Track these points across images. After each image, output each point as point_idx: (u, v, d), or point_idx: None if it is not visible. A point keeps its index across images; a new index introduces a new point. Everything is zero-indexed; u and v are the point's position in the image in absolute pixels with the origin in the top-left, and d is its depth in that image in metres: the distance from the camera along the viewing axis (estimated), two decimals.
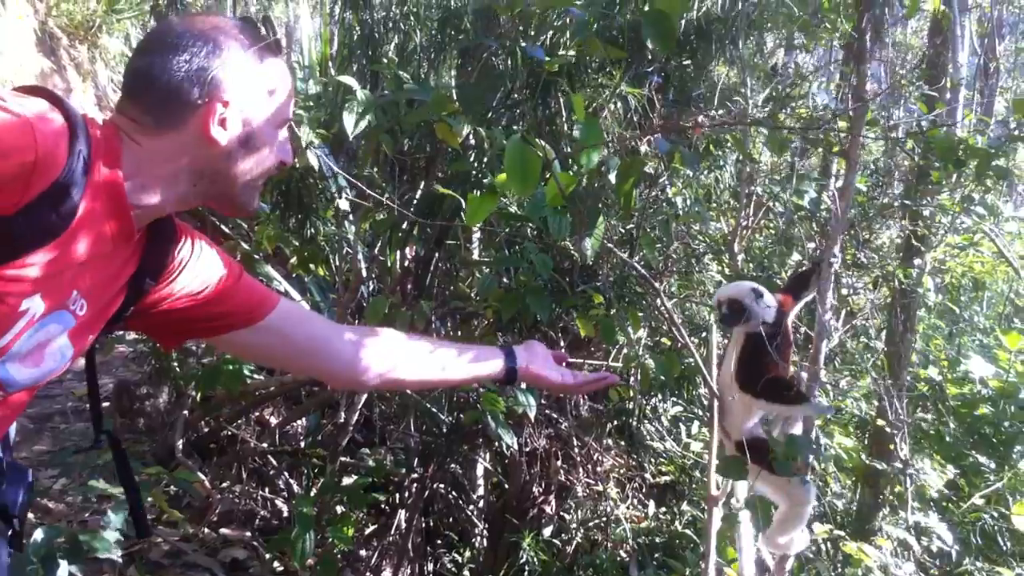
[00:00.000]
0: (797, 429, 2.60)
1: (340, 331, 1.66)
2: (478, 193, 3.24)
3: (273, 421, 4.67)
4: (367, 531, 4.32)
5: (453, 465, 4.40)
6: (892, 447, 3.81)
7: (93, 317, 1.29)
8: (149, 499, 3.60)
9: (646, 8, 3.61)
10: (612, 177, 2.70)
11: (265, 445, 4.41)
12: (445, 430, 4.15)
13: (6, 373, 1.20)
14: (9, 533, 1.28)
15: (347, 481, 4.06)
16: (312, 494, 3.95)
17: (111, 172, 1.20)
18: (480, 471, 4.56)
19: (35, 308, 1.17)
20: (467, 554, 4.37)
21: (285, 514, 4.25)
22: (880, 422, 3.86)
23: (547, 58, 2.58)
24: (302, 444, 4.58)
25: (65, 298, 1.22)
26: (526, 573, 4.00)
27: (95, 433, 1.49)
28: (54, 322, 1.22)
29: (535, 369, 1.82)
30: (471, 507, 4.51)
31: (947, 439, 4.20)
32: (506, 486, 4.34)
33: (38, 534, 2.61)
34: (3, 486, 1.13)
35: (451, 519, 4.55)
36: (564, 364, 1.95)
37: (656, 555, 4.12)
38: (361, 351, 1.63)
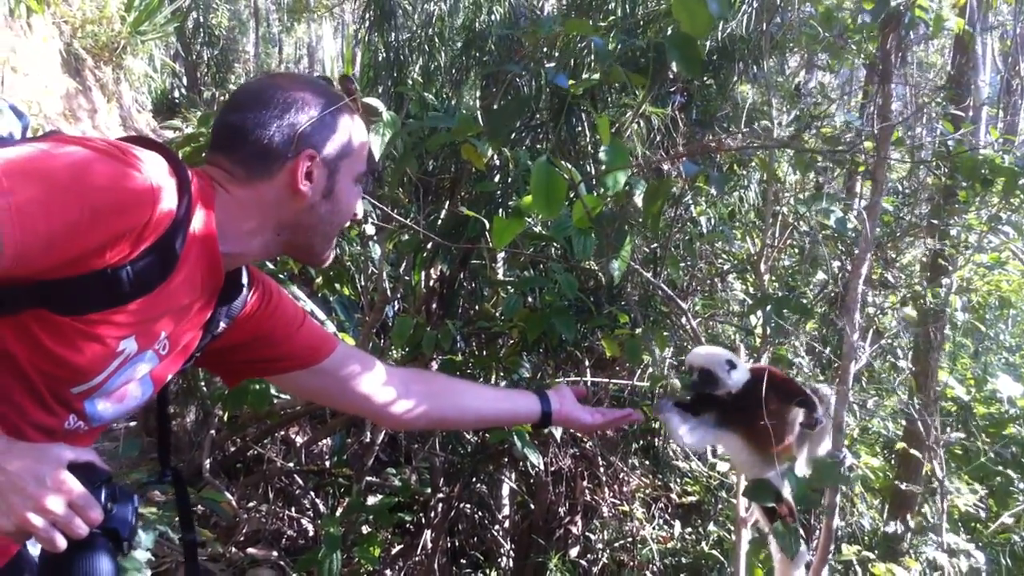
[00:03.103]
0: (824, 447, 2.58)
1: (389, 374, 1.72)
2: (503, 214, 3.26)
3: (299, 441, 4.69)
4: (393, 551, 4.32)
5: (479, 485, 4.40)
6: (927, 468, 3.78)
7: (174, 357, 1.35)
8: (177, 519, 3.62)
9: (670, 30, 3.63)
10: (638, 199, 2.70)
11: (291, 465, 4.43)
12: (470, 450, 4.15)
13: (94, 409, 1.26)
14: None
15: (373, 501, 4.06)
16: (338, 514, 3.96)
17: (207, 223, 1.26)
18: (506, 491, 4.55)
19: (129, 349, 1.23)
20: (493, 574, 4.36)
21: (312, 534, 4.26)
22: (906, 443, 3.84)
23: (571, 82, 2.59)
24: (328, 464, 4.59)
25: (155, 339, 1.27)
26: None
27: (161, 467, 1.53)
28: (141, 361, 1.27)
29: (566, 412, 1.88)
30: (497, 527, 4.50)
31: (977, 459, 4.16)
32: (532, 506, 4.34)
33: None
34: (114, 510, 1.16)
35: (477, 539, 4.54)
36: (585, 398, 2.01)
37: None
38: (408, 393, 1.72)
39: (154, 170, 1.14)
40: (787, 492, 2.56)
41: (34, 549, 1.27)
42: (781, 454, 2.52)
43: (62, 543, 1.08)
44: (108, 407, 1.28)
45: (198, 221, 1.24)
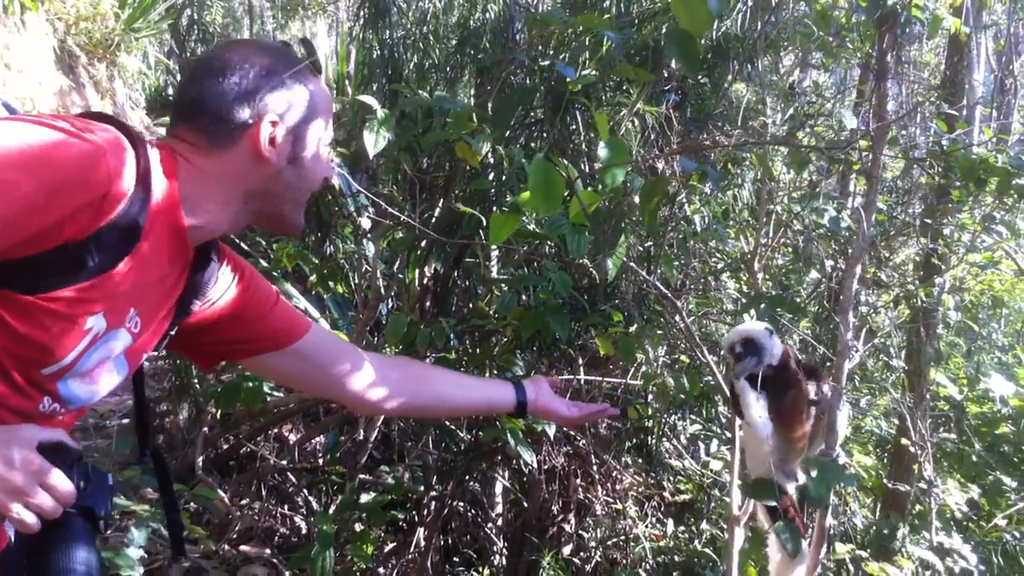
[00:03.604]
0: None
1: (365, 359, 1.70)
2: (497, 211, 3.25)
3: (292, 438, 4.68)
4: (386, 549, 4.31)
5: (472, 483, 4.40)
6: (915, 467, 3.79)
7: (147, 336, 1.34)
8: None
9: (665, 28, 3.64)
10: (635, 196, 2.70)
11: (284, 462, 4.42)
12: (463, 448, 4.15)
13: (68, 390, 1.24)
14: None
15: (366, 498, 4.06)
16: (331, 511, 3.95)
17: (169, 195, 1.24)
18: (499, 489, 4.55)
19: (98, 326, 1.21)
20: (486, 572, 4.36)
21: (304, 531, 4.25)
22: (904, 441, 3.85)
23: (569, 79, 2.59)
24: (321, 461, 4.59)
25: (124, 317, 1.25)
26: None
27: (140, 448, 1.52)
28: (113, 340, 1.26)
29: (543, 403, 1.87)
30: (490, 525, 4.50)
31: (969, 458, 4.17)
32: (525, 504, 4.34)
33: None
34: (88, 489, 1.16)
35: (470, 537, 4.54)
36: (564, 390, 1.98)
37: (675, 574, 4.10)
38: (384, 379, 1.69)
39: (110, 144, 1.13)
40: (792, 488, 2.57)
41: (11, 531, 1.26)
42: (800, 440, 2.54)
43: (35, 523, 1.08)
44: (83, 388, 1.27)
45: (159, 192, 1.23)
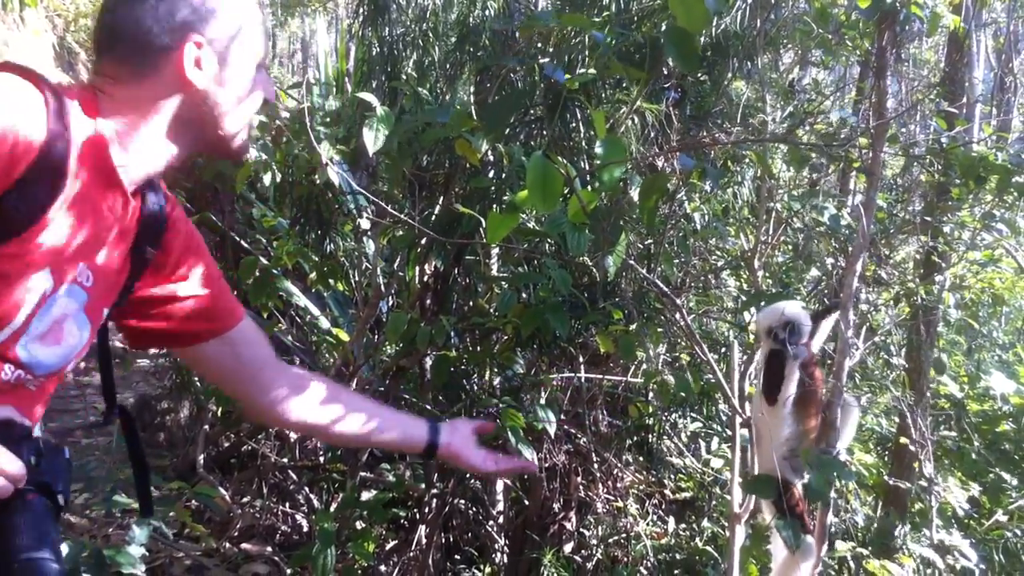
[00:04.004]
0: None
1: (283, 366, 1.62)
2: (497, 209, 3.25)
3: (293, 436, 4.68)
4: (387, 547, 4.31)
5: (473, 481, 4.40)
6: (916, 465, 3.79)
7: (103, 290, 1.29)
8: (171, 514, 3.62)
9: (665, 26, 3.63)
10: (634, 194, 2.71)
11: (285, 460, 4.42)
12: None
13: (29, 355, 1.19)
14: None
15: (367, 496, 4.06)
16: (332, 509, 3.95)
17: (93, 135, 1.19)
18: (500, 487, 4.55)
19: (45, 284, 1.16)
20: (487, 570, 4.36)
21: (306, 529, 4.26)
22: (903, 440, 3.85)
23: (567, 76, 2.59)
24: (322, 459, 4.59)
25: (73, 271, 1.21)
26: None
27: (107, 408, 1.46)
28: (67, 296, 1.20)
29: (456, 448, 1.72)
30: (491, 523, 4.50)
31: (969, 456, 4.18)
32: (526, 502, 4.34)
33: (63, 549, 2.62)
34: (41, 464, 1.14)
35: (471, 535, 4.54)
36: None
37: (676, 572, 4.10)
38: (291, 391, 1.59)
39: (13, 91, 1.09)
40: (799, 485, 2.58)
41: None
42: (813, 430, 2.56)
43: None
44: (47, 352, 1.20)
45: (81, 133, 1.16)
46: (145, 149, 1.26)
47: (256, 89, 1.35)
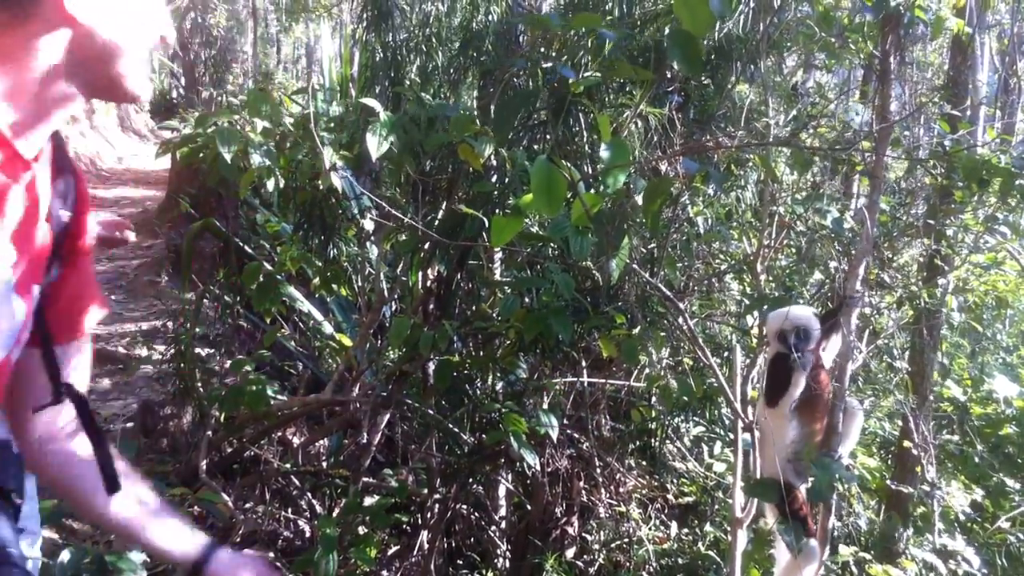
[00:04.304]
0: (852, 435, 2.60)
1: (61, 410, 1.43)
2: (500, 214, 3.25)
3: (296, 441, 4.68)
4: (390, 552, 4.31)
5: (475, 486, 4.40)
6: (919, 469, 3.79)
7: (28, 263, 1.21)
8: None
9: (668, 29, 3.63)
10: (637, 198, 2.70)
11: (288, 466, 4.42)
12: (467, 450, 4.15)
13: None
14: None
15: (369, 502, 4.06)
16: (335, 515, 3.95)
17: None
18: (502, 491, 4.55)
19: None
20: (489, 575, 4.36)
21: (308, 535, 4.25)
22: (906, 443, 3.84)
23: (571, 80, 2.59)
24: (324, 464, 4.59)
25: None
26: None
27: (54, 388, 1.36)
28: None
29: None
30: (493, 528, 4.50)
31: (972, 460, 4.17)
32: (528, 507, 4.33)
33: (64, 555, 2.61)
34: None
35: (473, 540, 4.54)
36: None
37: None
38: (57, 448, 1.42)
39: None
40: (803, 489, 2.58)
41: None
42: (818, 433, 2.56)
43: None
44: None
45: None
46: (34, 101, 1.16)
47: (147, 22, 1.25)
